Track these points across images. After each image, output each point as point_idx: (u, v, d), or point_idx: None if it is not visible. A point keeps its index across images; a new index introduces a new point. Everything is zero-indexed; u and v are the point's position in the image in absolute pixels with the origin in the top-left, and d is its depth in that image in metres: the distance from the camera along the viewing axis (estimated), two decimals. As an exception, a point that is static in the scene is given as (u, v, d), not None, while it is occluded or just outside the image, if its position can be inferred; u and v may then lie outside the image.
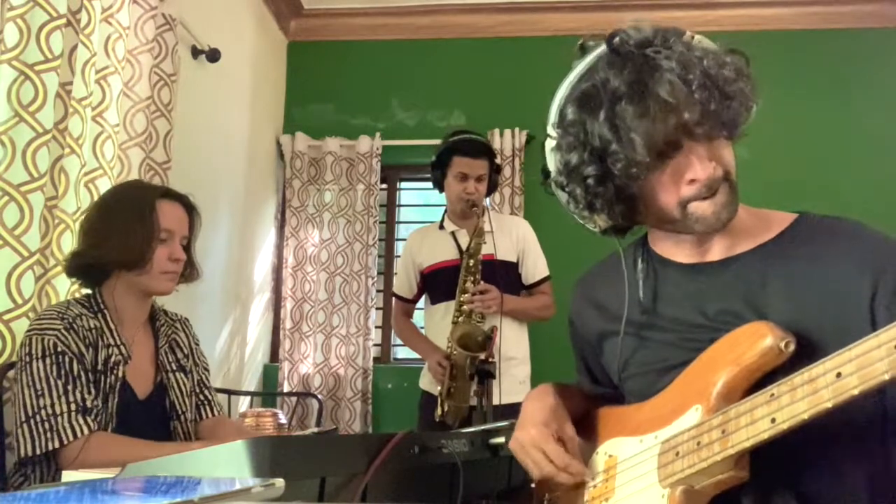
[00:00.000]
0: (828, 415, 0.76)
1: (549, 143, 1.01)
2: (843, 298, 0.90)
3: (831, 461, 0.89)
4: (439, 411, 2.33)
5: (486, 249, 2.42)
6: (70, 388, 1.40)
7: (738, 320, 0.93)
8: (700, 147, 0.92)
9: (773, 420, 0.80)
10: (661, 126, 0.88)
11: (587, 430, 1.08)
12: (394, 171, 3.95)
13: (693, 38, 0.94)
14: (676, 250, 1.04)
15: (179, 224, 1.60)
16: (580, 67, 0.96)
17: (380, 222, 3.80)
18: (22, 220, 1.69)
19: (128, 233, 1.51)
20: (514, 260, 2.56)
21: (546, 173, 1.03)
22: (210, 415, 1.67)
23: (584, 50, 0.97)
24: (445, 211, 2.67)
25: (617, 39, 0.92)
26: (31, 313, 1.69)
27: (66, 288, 1.86)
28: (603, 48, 0.94)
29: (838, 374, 0.75)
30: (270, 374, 3.74)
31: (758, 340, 0.86)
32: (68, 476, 1.12)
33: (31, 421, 1.37)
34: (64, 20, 1.81)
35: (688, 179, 0.93)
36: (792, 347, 0.84)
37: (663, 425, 0.95)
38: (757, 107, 0.95)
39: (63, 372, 1.41)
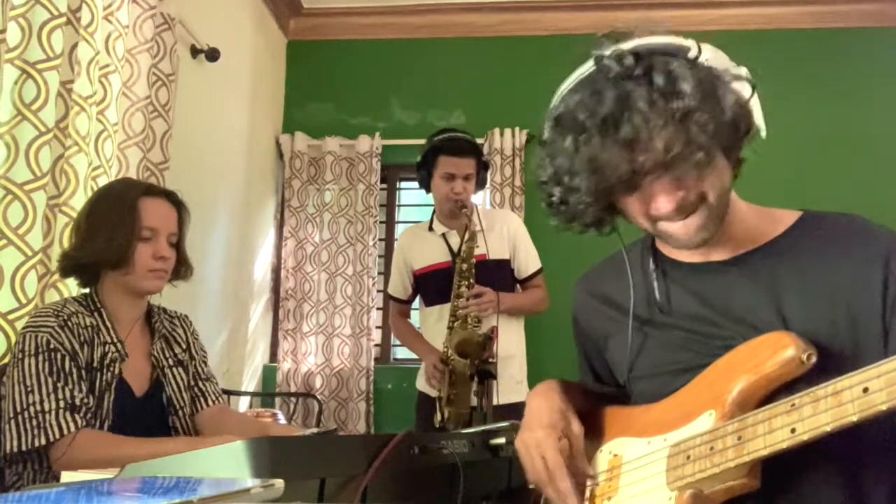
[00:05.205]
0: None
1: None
2: (854, 290, 0.90)
3: (835, 471, 0.88)
4: (439, 417, 2.31)
5: (477, 250, 2.39)
6: (60, 385, 1.39)
7: (752, 317, 0.93)
8: (665, 179, 0.88)
9: (793, 430, 0.79)
10: (612, 171, 0.87)
11: (591, 428, 1.07)
12: (394, 171, 3.95)
13: (699, 54, 0.88)
14: (679, 250, 1.03)
15: (164, 221, 1.57)
16: (569, 81, 0.94)
17: (380, 222, 3.80)
18: (26, 219, 1.70)
19: (110, 232, 1.50)
20: (507, 257, 2.53)
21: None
22: (205, 405, 1.63)
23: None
24: (434, 211, 2.62)
25: (602, 64, 0.88)
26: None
27: (73, 287, 1.85)
28: (590, 66, 0.91)
29: (865, 390, 0.74)
30: (270, 374, 3.73)
31: (780, 350, 0.85)
32: (67, 477, 1.11)
33: (20, 417, 1.36)
34: (64, 19, 1.81)
35: (653, 208, 0.92)
36: (814, 360, 0.83)
37: (673, 428, 0.94)
38: (752, 137, 0.91)
39: (55, 369, 1.40)
